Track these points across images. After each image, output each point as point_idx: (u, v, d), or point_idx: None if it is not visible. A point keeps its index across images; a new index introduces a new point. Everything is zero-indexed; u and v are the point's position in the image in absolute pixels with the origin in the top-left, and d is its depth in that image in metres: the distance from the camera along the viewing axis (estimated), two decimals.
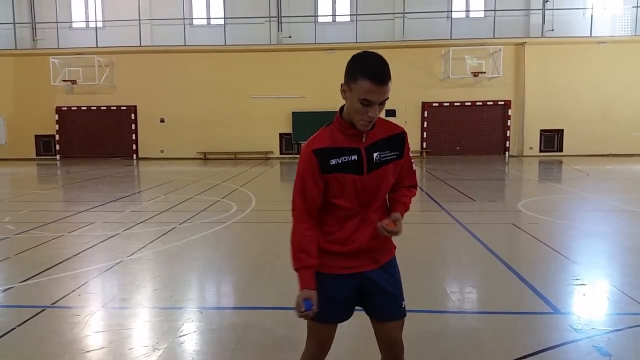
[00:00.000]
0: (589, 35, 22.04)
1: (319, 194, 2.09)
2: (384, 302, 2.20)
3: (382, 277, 2.19)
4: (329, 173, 2.05)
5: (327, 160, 2.04)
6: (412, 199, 2.29)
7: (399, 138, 2.14)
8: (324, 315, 2.16)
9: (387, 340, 2.25)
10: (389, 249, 2.25)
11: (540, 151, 22.78)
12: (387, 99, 1.97)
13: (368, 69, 1.91)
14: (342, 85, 2.01)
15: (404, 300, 2.25)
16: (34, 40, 24.10)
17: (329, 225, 2.16)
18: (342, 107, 2.07)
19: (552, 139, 22.78)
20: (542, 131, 22.70)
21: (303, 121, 22.45)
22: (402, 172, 2.21)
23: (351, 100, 1.97)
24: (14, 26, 23.77)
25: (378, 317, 2.24)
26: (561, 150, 22.59)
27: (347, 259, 2.15)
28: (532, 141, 22.76)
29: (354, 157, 2.05)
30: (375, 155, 2.07)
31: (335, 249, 2.15)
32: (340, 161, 2.04)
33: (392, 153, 2.10)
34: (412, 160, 2.25)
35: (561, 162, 19.71)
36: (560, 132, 22.61)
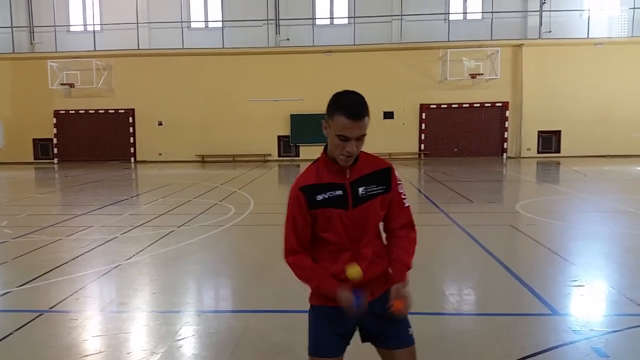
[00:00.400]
0: (586, 36, 22.12)
1: (308, 227, 2.15)
2: (387, 329, 2.18)
3: (380, 306, 2.16)
4: (316, 208, 2.10)
5: (314, 196, 2.09)
6: (415, 235, 2.22)
7: (385, 173, 2.16)
8: (328, 349, 2.16)
9: None
10: (386, 279, 2.22)
11: (538, 152, 22.83)
12: (365, 134, 2.02)
13: (344, 106, 1.98)
14: (322, 122, 2.07)
15: (410, 327, 2.22)
16: (31, 43, 24.11)
17: (322, 261, 2.18)
18: (327, 144, 2.13)
19: (549, 140, 22.83)
20: (540, 132, 22.75)
21: (301, 123, 22.46)
22: (393, 209, 2.19)
23: (331, 136, 2.03)
24: (12, 30, 23.78)
25: (384, 346, 2.21)
26: (559, 152, 22.64)
27: None
28: (530, 142, 22.81)
29: (339, 192, 2.09)
30: (360, 190, 2.10)
31: None
32: (326, 196, 2.09)
33: (378, 188, 2.12)
34: (404, 197, 2.21)
35: (559, 163, 19.75)
36: (557, 133, 22.66)
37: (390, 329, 2.17)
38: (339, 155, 2.04)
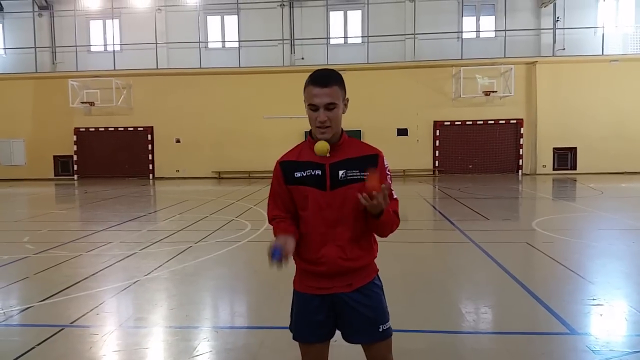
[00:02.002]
0: (600, 53, 22.03)
1: (288, 198, 2.19)
2: (358, 325, 2.18)
3: (355, 300, 2.17)
4: (292, 184, 2.15)
5: (292, 172, 2.14)
6: (399, 228, 2.20)
7: (371, 159, 2.13)
8: (304, 334, 2.22)
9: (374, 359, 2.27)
10: (367, 273, 2.22)
11: (554, 169, 22.62)
12: (335, 104, 2.05)
13: (312, 77, 2.09)
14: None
15: (384, 323, 2.20)
16: (53, 63, 24.79)
17: (300, 244, 2.21)
18: None
19: (565, 157, 22.63)
20: (555, 149, 22.58)
21: None
22: None
23: (307, 112, 2.10)
24: (35, 50, 24.49)
25: (353, 340, 2.23)
26: (575, 168, 22.41)
27: (321, 280, 2.18)
28: (545, 159, 22.63)
29: (318, 172, 2.11)
30: (340, 172, 2.10)
31: (307, 267, 2.21)
32: (304, 174, 2.12)
33: (361, 173, 2.09)
34: (392, 189, 2.15)
35: (575, 180, 19.53)
36: (573, 150, 22.46)
37: (361, 324, 2.18)
38: (315, 128, 2.09)
